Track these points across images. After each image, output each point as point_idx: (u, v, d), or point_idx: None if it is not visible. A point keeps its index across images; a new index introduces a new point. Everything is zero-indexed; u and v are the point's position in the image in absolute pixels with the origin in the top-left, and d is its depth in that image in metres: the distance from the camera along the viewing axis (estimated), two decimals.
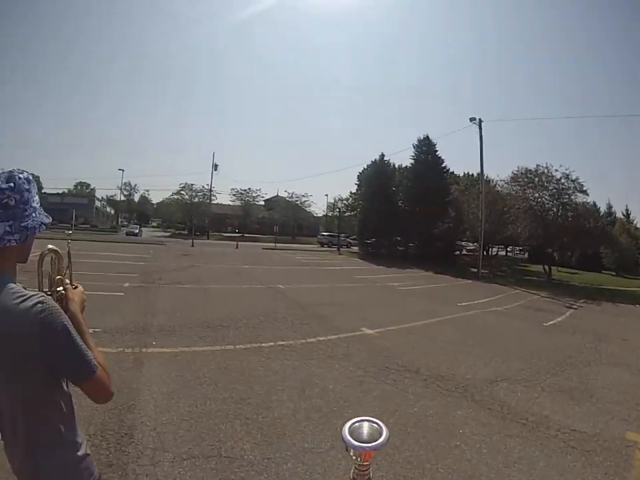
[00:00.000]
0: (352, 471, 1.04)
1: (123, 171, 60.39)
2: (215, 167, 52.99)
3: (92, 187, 76.71)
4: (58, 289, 1.28)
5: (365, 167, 41.26)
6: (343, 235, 45.77)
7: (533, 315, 11.32)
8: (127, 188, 78.10)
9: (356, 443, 1.00)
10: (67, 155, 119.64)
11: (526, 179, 24.10)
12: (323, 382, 4.68)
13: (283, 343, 6.12)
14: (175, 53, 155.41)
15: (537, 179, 23.46)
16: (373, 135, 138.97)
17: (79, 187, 79.89)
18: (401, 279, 17.81)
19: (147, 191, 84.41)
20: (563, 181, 22.61)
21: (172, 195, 55.46)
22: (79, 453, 1.17)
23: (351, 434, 1.03)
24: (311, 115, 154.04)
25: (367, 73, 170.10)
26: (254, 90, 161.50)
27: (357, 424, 1.06)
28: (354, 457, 1.02)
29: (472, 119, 23.92)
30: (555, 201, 22.96)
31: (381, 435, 1.03)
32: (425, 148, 31.64)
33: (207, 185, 53.82)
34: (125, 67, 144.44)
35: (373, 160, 35.94)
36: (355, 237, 46.47)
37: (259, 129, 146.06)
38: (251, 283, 12.53)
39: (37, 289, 1.19)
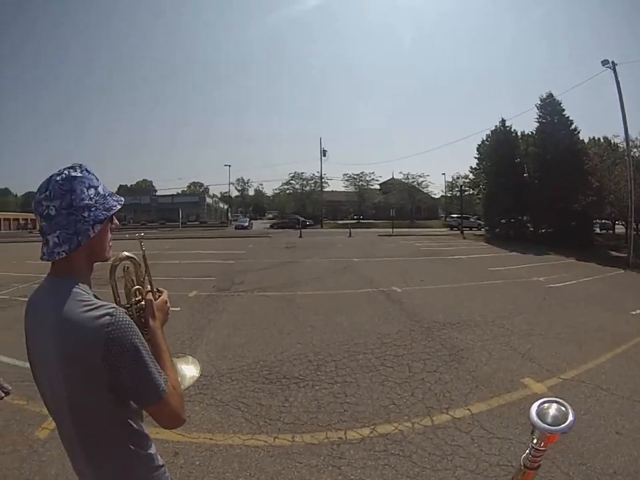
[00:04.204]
0: (523, 456, 0.93)
1: (229, 166, 65.35)
2: (324, 152, 51.89)
3: (205, 185, 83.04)
4: (136, 299, 1.16)
5: (484, 138, 35.60)
6: (466, 216, 40.78)
7: None
8: (241, 183, 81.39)
9: (546, 426, 0.89)
10: (184, 158, 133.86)
11: None
12: None
13: (389, 430, 3.18)
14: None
15: None
16: (488, 99, 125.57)
17: (191, 187, 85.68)
18: (543, 270, 13.22)
19: (261, 184, 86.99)
20: None
21: (282, 185, 55.92)
22: (153, 465, 1.07)
23: (537, 415, 0.92)
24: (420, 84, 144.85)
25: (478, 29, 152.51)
26: (360, 71, 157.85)
27: (545, 404, 0.94)
28: (535, 440, 0.90)
29: (604, 62, 17.80)
30: None
31: (566, 418, 0.89)
32: (550, 108, 24.84)
33: (318, 172, 53.07)
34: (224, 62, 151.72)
35: (493, 128, 30.01)
36: (476, 216, 41.50)
37: (369, 108, 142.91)
38: (358, 285, 9.70)
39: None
